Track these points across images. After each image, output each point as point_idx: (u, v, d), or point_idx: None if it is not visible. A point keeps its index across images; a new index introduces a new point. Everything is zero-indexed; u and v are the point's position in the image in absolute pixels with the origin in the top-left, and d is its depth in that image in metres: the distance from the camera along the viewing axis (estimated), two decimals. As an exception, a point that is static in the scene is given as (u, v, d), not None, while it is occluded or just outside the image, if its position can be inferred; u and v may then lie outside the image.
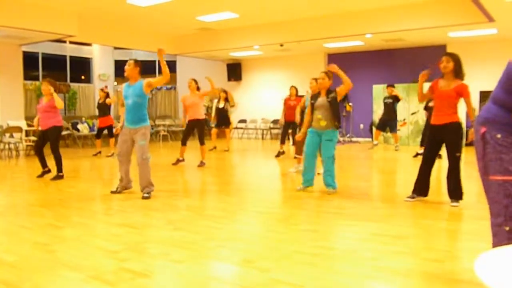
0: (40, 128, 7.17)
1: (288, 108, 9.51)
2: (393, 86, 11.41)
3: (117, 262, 3.22)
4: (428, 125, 7.97)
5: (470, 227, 4.25)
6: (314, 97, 5.88)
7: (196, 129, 8.59)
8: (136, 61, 5.63)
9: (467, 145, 12.16)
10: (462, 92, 4.86)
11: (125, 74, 5.61)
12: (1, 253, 3.47)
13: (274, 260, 3.25)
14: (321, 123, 5.71)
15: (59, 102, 6.92)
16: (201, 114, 8.54)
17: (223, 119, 11.69)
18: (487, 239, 3.72)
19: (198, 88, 8.60)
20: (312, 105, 5.84)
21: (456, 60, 4.90)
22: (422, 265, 3.13)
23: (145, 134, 5.58)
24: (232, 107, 12.31)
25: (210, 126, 12.65)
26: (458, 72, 4.89)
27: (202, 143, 8.52)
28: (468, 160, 9.57)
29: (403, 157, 10.05)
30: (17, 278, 2.94)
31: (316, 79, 6.26)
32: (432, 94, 5.13)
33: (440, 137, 4.99)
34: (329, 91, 5.75)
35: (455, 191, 4.95)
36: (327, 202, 5.30)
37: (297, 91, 9.72)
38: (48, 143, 7.12)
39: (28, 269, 3.13)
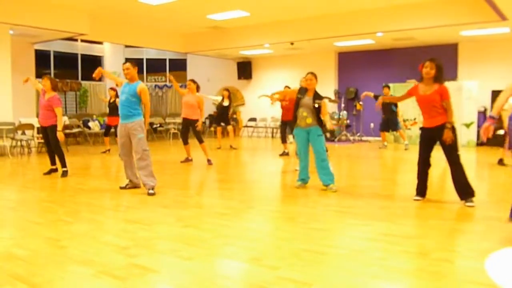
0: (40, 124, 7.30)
1: (283, 108, 9.50)
2: (389, 87, 11.45)
3: (127, 258, 3.25)
4: None
5: (479, 227, 4.22)
6: (301, 91, 5.96)
7: (191, 128, 8.63)
8: (133, 63, 5.85)
9: (478, 144, 12.08)
10: (443, 94, 4.90)
11: (126, 77, 5.82)
12: (12, 248, 3.52)
13: (282, 258, 3.26)
14: (307, 120, 5.84)
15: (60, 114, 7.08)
16: (194, 115, 8.56)
17: (221, 117, 11.84)
18: (497, 239, 3.70)
19: (198, 88, 8.63)
20: (299, 100, 5.93)
21: (439, 67, 4.92)
22: (431, 265, 3.11)
23: (141, 127, 5.71)
24: (238, 106, 12.34)
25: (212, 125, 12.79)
26: (438, 78, 4.93)
27: (200, 141, 8.56)
28: (478, 159, 9.49)
29: (412, 156, 9.97)
30: (28, 273, 2.98)
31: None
32: (409, 97, 5.28)
33: (432, 138, 5.03)
34: (316, 96, 5.86)
35: (465, 191, 4.92)
36: (335, 201, 5.29)
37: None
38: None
39: (39, 263, 3.17)
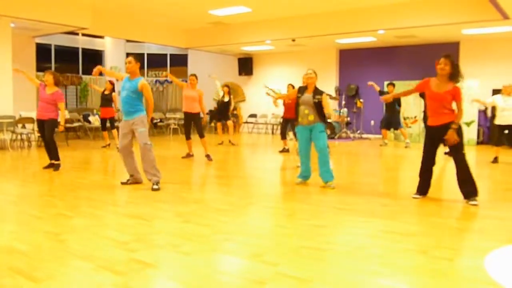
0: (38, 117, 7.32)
1: (285, 106, 9.52)
2: (393, 85, 11.41)
3: (127, 253, 3.26)
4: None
5: (479, 226, 4.23)
6: (301, 90, 6.01)
7: (193, 123, 8.65)
8: (136, 58, 5.86)
9: (478, 143, 12.09)
10: (456, 96, 4.88)
11: (127, 71, 5.85)
12: (13, 242, 3.53)
13: (282, 255, 3.27)
14: (309, 117, 5.86)
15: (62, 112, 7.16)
16: (195, 108, 8.61)
17: (221, 112, 11.96)
18: (496, 238, 3.71)
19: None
20: (299, 98, 5.96)
21: (454, 64, 4.89)
22: (430, 263, 3.12)
23: (143, 121, 5.74)
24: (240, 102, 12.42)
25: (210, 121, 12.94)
26: (454, 76, 4.89)
27: (201, 136, 8.58)
28: (479, 159, 9.49)
29: (413, 154, 9.99)
30: (28, 267, 2.99)
31: None
32: (417, 91, 5.26)
33: (438, 137, 5.00)
34: (316, 91, 5.89)
35: (469, 190, 4.91)
36: (335, 198, 5.30)
37: (294, 88, 9.62)
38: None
39: (39, 258, 3.17)
